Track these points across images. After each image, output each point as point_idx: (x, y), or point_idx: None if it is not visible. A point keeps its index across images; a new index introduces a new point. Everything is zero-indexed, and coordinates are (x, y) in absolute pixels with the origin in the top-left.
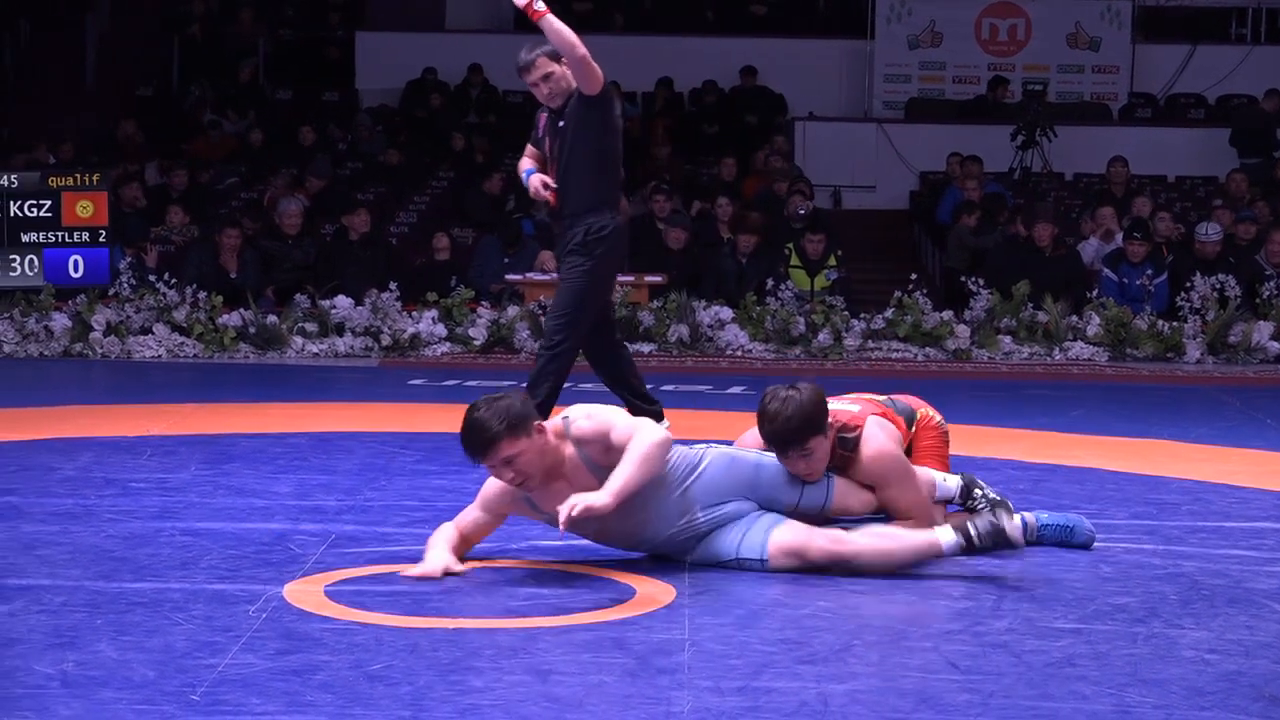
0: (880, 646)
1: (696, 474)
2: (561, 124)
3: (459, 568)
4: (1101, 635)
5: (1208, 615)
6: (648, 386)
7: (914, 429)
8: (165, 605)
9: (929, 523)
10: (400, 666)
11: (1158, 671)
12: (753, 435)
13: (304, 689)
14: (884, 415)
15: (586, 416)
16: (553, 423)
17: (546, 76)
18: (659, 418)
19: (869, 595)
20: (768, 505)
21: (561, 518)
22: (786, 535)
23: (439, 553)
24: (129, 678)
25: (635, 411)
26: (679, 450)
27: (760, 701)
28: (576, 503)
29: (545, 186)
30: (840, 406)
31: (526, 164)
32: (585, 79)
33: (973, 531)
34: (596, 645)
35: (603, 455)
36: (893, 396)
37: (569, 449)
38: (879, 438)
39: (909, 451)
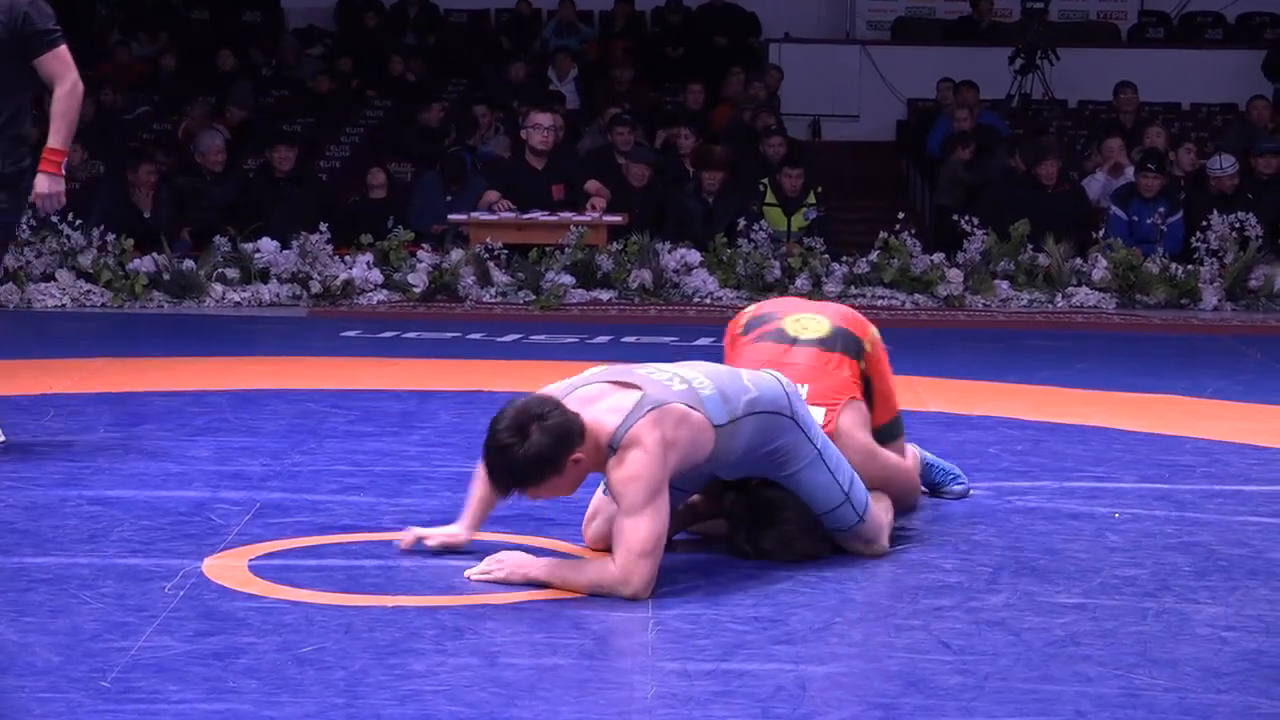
0: (864, 624)
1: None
2: None
3: (462, 539)
4: (1108, 611)
5: (1225, 588)
6: (599, 339)
7: (864, 362)
8: (71, 582)
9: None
10: (333, 649)
11: (1170, 651)
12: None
13: (226, 674)
14: (829, 379)
15: (620, 463)
16: (600, 425)
17: None
18: None
19: (852, 568)
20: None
21: (482, 570)
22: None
23: (457, 524)
24: (31, 663)
25: None
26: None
27: (732, 686)
28: (506, 563)
29: None
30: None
31: None
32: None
33: None
34: (550, 624)
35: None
36: (838, 322)
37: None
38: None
39: (867, 390)
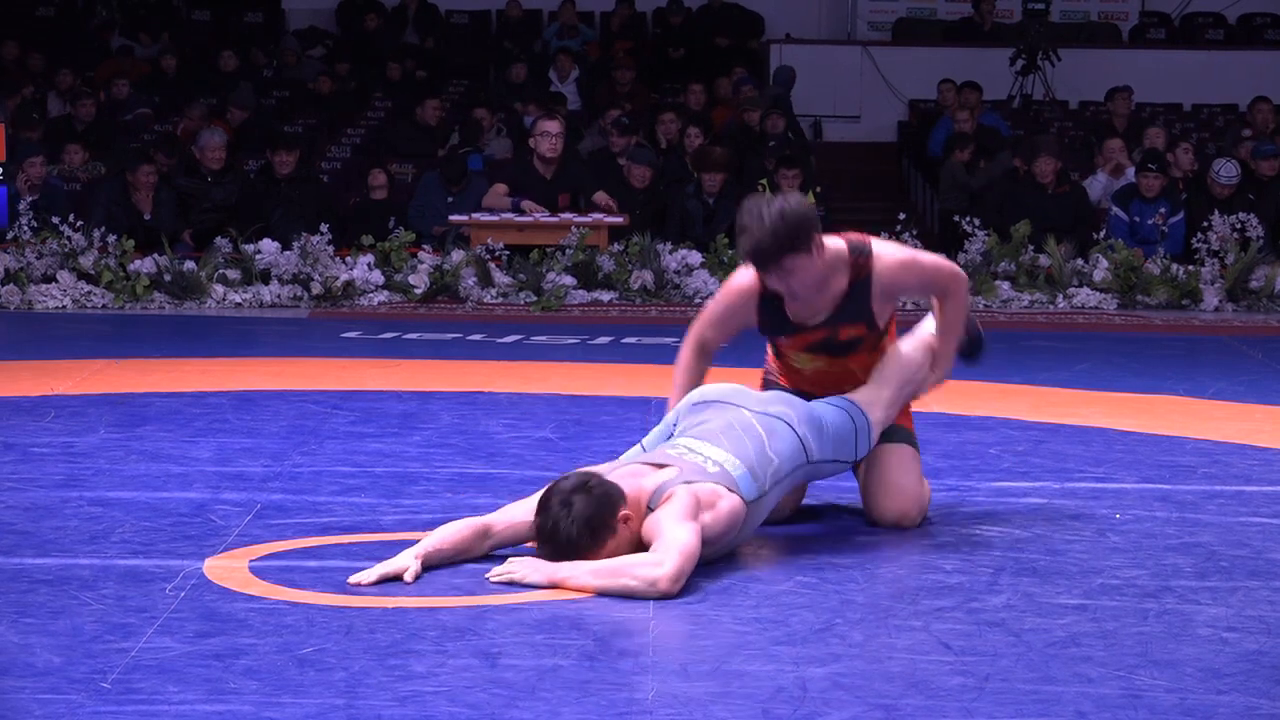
0: (865, 625)
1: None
2: None
3: (408, 575)
4: (1109, 612)
5: (1226, 589)
6: (600, 340)
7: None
8: (72, 583)
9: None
10: (333, 650)
11: (1171, 651)
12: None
13: (227, 675)
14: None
15: (655, 511)
16: (640, 490)
17: None
18: None
19: (852, 569)
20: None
21: (503, 571)
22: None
23: (408, 552)
24: (31, 663)
25: None
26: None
27: (732, 686)
28: (514, 570)
29: None
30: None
31: None
32: None
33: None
34: (551, 625)
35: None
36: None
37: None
38: (893, 246)
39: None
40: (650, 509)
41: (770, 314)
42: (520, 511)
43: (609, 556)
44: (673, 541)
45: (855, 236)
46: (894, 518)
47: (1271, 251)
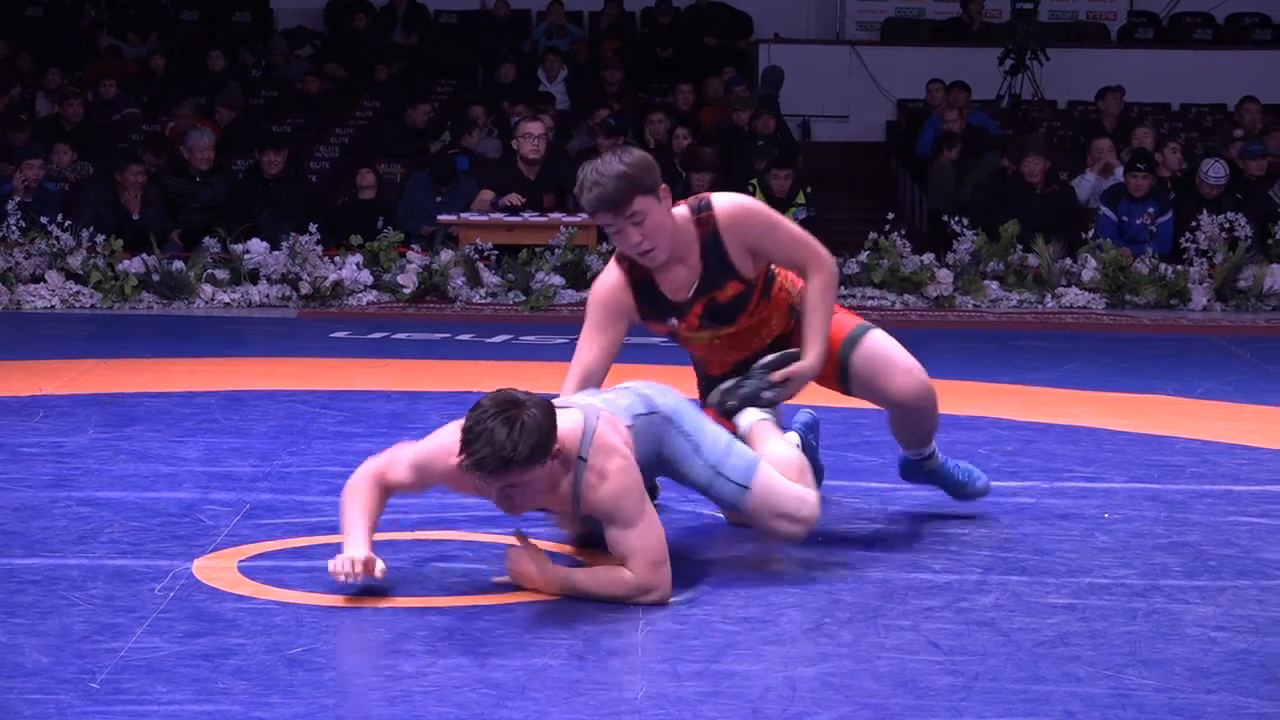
0: (854, 625)
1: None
2: None
3: (378, 569)
4: (1097, 611)
5: (1214, 588)
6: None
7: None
8: (61, 583)
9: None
10: (323, 650)
11: (1159, 651)
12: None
13: (216, 675)
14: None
15: (603, 477)
16: (564, 431)
17: None
18: None
19: (841, 568)
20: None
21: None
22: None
23: (359, 542)
24: (20, 664)
25: None
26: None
27: (722, 686)
28: (510, 573)
29: None
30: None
31: None
32: None
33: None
34: (540, 625)
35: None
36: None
37: (567, 477)
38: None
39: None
40: (582, 459)
41: (646, 298)
42: (422, 457)
43: (530, 482)
44: (648, 553)
45: (696, 197)
46: (913, 395)
47: (1259, 251)
